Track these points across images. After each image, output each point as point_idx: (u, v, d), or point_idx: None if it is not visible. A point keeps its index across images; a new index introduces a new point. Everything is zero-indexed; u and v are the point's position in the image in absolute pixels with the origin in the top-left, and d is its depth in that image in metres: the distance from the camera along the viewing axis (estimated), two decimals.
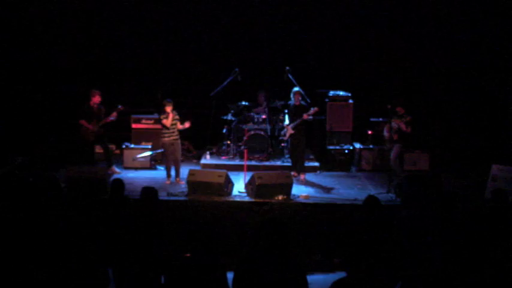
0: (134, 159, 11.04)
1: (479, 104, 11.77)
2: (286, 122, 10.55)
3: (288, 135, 10.46)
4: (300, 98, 10.34)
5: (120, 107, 10.21)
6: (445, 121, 12.15)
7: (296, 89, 10.39)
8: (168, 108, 9.68)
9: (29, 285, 5.21)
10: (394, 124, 9.59)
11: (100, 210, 6.56)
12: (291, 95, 10.37)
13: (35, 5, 11.85)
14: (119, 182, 6.73)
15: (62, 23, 12.22)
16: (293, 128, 10.33)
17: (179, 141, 9.92)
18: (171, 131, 9.76)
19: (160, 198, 8.34)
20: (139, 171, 10.87)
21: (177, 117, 9.85)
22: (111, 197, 6.79)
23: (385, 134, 9.82)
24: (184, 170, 9.87)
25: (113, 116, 10.10)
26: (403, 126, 9.39)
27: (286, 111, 10.74)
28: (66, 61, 12.33)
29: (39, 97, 12.00)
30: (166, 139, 9.79)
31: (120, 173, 10.24)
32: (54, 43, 12.22)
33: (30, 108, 11.84)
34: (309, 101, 10.53)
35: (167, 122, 9.68)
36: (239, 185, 9.37)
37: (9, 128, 11.33)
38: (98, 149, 10.56)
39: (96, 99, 10.00)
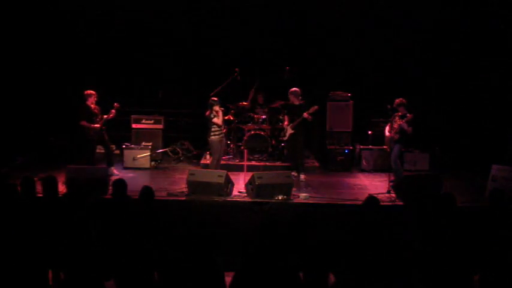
0: (134, 159, 11.05)
1: (479, 104, 11.77)
2: (286, 122, 10.55)
3: (288, 135, 10.46)
4: (300, 98, 10.34)
5: (116, 104, 10.20)
6: (445, 121, 12.15)
7: (294, 88, 10.39)
8: (217, 107, 9.77)
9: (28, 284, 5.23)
10: (395, 124, 9.59)
11: (100, 210, 6.55)
12: (291, 95, 10.36)
13: (34, 5, 11.86)
14: (121, 182, 6.73)
15: (62, 23, 12.23)
16: (293, 128, 10.33)
17: (224, 138, 10.19)
18: (222, 129, 9.93)
19: (160, 198, 8.41)
20: (139, 171, 10.88)
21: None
22: (113, 197, 6.78)
23: (386, 133, 9.82)
24: (184, 170, 9.87)
25: (112, 114, 10.11)
26: (404, 126, 9.39)
27: (286, 111, 10.73)
28: (66, 61, 12.36)
29: (39, 97, 12.01)
30: (216, 137, 9.86)
31: (119, 175, 10.21)
32: (55, 42, 12.23)
33: (31, 108, 11.85)
34: (307, 100, 10.52)
35: (219, 120, 9.78)
36: (239, 185, 9.38)
37: (9, 128, 11.33)
38: (99, 149, 10.56)
39: (92, 99, 10.02)
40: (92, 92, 10.04)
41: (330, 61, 12.53)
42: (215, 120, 9.77)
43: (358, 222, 5.55)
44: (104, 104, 10.28)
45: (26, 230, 5.55)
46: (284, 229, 4.48)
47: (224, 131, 10.31)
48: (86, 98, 10.02)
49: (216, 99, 9.89)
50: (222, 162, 10.63)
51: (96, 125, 10.01)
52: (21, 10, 11.75)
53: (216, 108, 9.78)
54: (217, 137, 9.86)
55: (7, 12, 11.58)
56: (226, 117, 11.50)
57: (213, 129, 9.84)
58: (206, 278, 4.61)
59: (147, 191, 6.37)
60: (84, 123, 9.97)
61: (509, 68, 11.32)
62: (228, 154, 11.54)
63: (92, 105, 10.05)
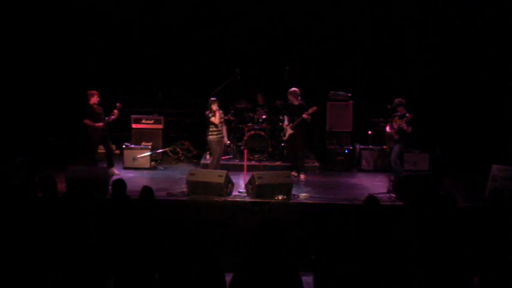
0: (134, 159, 11.05)
1: (479, 104, 11.77)
2: (286, 122, 10.55)
3: (287, 135, 10.46)
4: (299, 98, 10.34)
5: (118, 104, 10.24)
6: (445, 121, 12.15)
7: (293, 89, 10.39)
8: (214, 106, 9.74)
9: (28, 284, 5.23)
10: (394, 124, 9.60)
11: (100, 210, 6.56)
12: (290, 95, 10.34)
13: (34, 5, 11.86)
14: (121, 182, 6.73)
15: (62, 23, 12.23)
16: (292, 128, 10.32)
17: (224, 138, 10.11)
18: (219, 128, 9.85)
19: (160, 198, 8.41)
20: (139, 171, 10.89)
21: (223, 116, 9.93)
22: (112, 196, 6.79)
23: (387, 132, 9.81)
24: (184, 170, 9.90)
25: (114, 115, 10.15)
26: (404, 126, 9.40)
27: (286, 111, 10.73)
28: (66, 60, 12.36)
29: (40, 97, 12.01)
30: (214, 137, 9.83)
31: (119, 175, 10.21)
32: (54, 42, 12.23)
33: (31, 108, 11.84)
34: (307, 100, 10.53)
35: (216, 119, 9.74)
36: (239, 185, 9.38)
37: (9, 128, 11.33)
38: (99, 149, 10.58)
39: (95, 99, 10.04)
40: (94, 91, 10.06)
41: (330, 61, 12.53)
42: (212, 119, 9.75)
43: (358, 222, 5.55)
44: (104, 104, 10.29)
45: (25, 229, 5.55)
46: (284, 229, 4.47)
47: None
48: (88, 97, 10.04)
49: (214, 98, 9.88)
50: (222, 162, 10.67)
51: (99, 124, 10.02)
52: (22, 11, 11.75)
53: (214, 107, 9.77)
54: (215, 136, 9.85)
55: (8, 13, 11.58)
56: (226, 117, 11.53)
57: (210, 129, 9.84)
58: (206, 278, 4.61)
59: (147, 191, 6.38)
60: (88, 121, 9.98)
61: (509, 68, 11.33)
62: (228, 154, 11.55)
63: (95, 105, 10.07)
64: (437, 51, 12.20)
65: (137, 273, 5.48)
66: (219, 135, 9.88)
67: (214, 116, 9.73)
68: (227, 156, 11.48)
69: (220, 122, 9.89)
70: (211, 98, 9.88)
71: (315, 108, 10.16)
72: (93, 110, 10.04)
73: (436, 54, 12.20)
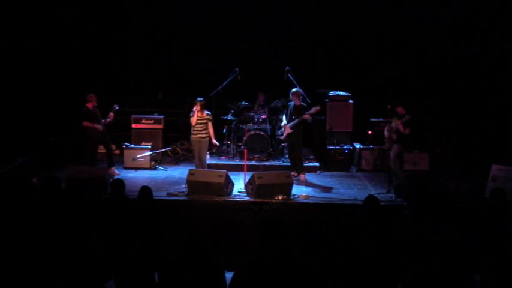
0: (134, 159, 11.05)
1: (479, 104, 11.77)
2: (284, 121, 10.53)
3: (285, 134, 10.43)
4: (301, 99, 10.32)
5: (115, 106, 10.27)
6: (445, 121, 12.15)
7: (295, 89, 10.37)
8: (195, 108, 9.86)
9: (27, 285, 5.22)
10: (393, 124, 9.60)
11: (100, 210, 6.56)
12: (293, 95, 10.32)
13: (34, 5, 11.86)
14: (119, 182, 6.74)
15: (62, 23, 12.24)
16: (291, 128, 10.28)
17: (207, 139, 10.06)
18: (198, 129, 9.91)
19: (160, 198, 8.42)
20: (139, 171, 10.90)
21: (207, 117, 9.96)
22: (111, 197, 6.79)
23: (386, 133, 9.84)
24: (184, 170, 9.91)
25: (110, 117, 10.19)
26: (400, 127, 9.41)
27: (285, 111, 10.72)
28: (66, 61, 12.36)
29: (40, 97, 12.02)
30: (192, 136, 10.01)
31: (119, 175, 10.22)
32: (54, 43, 12.24)
33: (31, 108, 11.85)
34: (309, 101, 10.55)
35: (192, 120, 9.89)
36: (239, 185, 9.38)
37: (10, 128, 11.34)
38: (100, 149, 10.59)
39: (93, 102, 10.10)
40: (92, 95, 10.13)
41: (330, 61, 12.53)
42: (190, 119, 9.93)
43: (358, 222, 5.55)
44: (104, 105, 10.31)
45: (25, 230, 5.55)
46: (284, 229, 4.48)
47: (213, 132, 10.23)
48: (86, 101, 10.11)
49: (198, 99, 9.93)
50: (222, 162, 10.65)
51: (98, 125, 10.05)
52: (23, 12, 11.76)
53: (194, 108, 9.87)
54: (192, 136, 9.99)
55: (9, 15, 11.59)
56: (225, 118, 11.54)
57: (192, 128, 9.99)
58: (206, 278, 4.61)
59: (145, 191, 6.38)
60: (86, 123, 10.02)
61: (509, 67, 11.33)
62: (227, 154, 11.56)
63: (92, 108, 10.10)
64: (437, 50, 12.21)
65: (137, 274, 5.48)
66: (197, 135, 9.96)
67: (192, 116, 9.91)
68: (227, 156, 11.50)
69: (199, 123, 9.91)
70: (197, 98, 9.94)
71: (318, 108, 10.16)
72: (90, 112, 10.09)
73: (436, 53, 12.21)
